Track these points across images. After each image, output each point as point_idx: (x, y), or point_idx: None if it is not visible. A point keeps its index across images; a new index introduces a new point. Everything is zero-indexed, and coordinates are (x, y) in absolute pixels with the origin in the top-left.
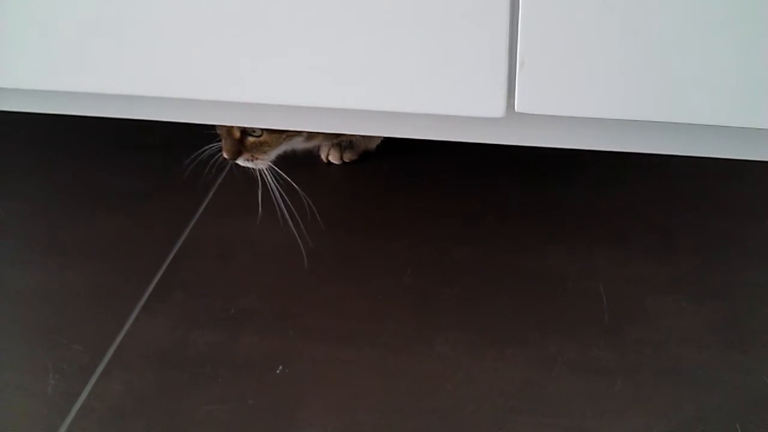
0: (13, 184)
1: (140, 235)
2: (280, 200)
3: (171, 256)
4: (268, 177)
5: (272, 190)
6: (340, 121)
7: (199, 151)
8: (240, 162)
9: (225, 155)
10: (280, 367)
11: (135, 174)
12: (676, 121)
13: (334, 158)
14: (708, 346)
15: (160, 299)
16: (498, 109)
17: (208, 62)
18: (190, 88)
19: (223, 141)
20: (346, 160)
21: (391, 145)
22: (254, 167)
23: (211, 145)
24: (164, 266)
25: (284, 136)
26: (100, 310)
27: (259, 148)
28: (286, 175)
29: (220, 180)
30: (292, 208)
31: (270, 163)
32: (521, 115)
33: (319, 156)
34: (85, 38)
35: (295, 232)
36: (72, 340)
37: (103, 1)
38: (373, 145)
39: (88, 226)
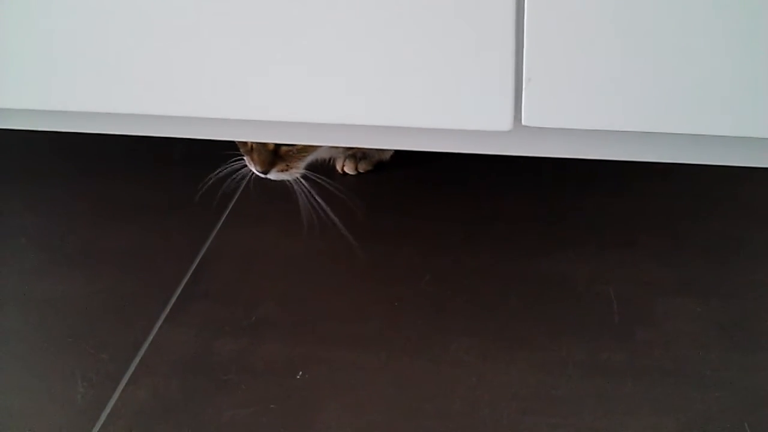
0: (39, 197)
1: (163, 246)
2: (317, 208)
3: (193, 266)
4: (304, 186)
5: (308, 197)
6: (354, 136)
7: (216, 172)
8: (272, 175)
9: (257, 168)
10: (300, 373)
11: (157, 186)
12: (680, 132)
13: (349, 169)
14: (716, 346)
15: (184, 308)
16: (506, 123)
17: (224, 82)
18: (206, 108)
19: (253, 155)
20: (361, 171)
21: (404, 155)
22: (287, 178)
23: (228, 165)
24: (187, 276)
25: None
26: (126, 320)
27: (295, 156)
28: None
29: (239, 191)
30: (316, 217)
31: (303, 172)
32: (528, 128)
33: (335, 167)
34: (106, 59)
35: (312, 241)
36: (99, 349)
37: (121, 24)
38: (386, 156)
39: (113, 237)
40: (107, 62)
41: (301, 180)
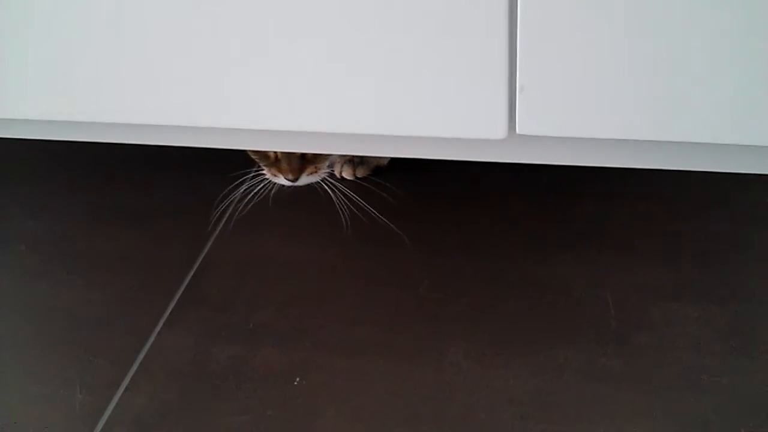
0: (38, 203)
1: (162, 251)
2: (344, 207)
3: (192, 272)
4: (331, 184)
5: (339, 197)
6: (350, 144)
7: (228, 192)
8: (301, 181)
9: (288, 177)
10: (298, 379)
11: (156, 192)
12: (675, 140)
13: (347, 174)
14: (713, 351)
15: (182, 314)
16: (500, 132)
17: (225, 92)
18: (207, 118)
19: (281, 164)
20: (359, 176)
21: (401, 160)
22: (316, 180)
23: (239, 183)
24: (185, 282)
25: None
26: (124, 326)
27: (322, 156)
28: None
29: (237, 197)
30: (313, 221)
31: (329, 171)
32: (522, 136)
33: (333, 172)
34: (101, 69)
35: (310, 247)
36: (97, 355)
37: (123, 34)
38: (384, 161)
39: (112, 243)
40: (108, 71)
41: (328, 179)
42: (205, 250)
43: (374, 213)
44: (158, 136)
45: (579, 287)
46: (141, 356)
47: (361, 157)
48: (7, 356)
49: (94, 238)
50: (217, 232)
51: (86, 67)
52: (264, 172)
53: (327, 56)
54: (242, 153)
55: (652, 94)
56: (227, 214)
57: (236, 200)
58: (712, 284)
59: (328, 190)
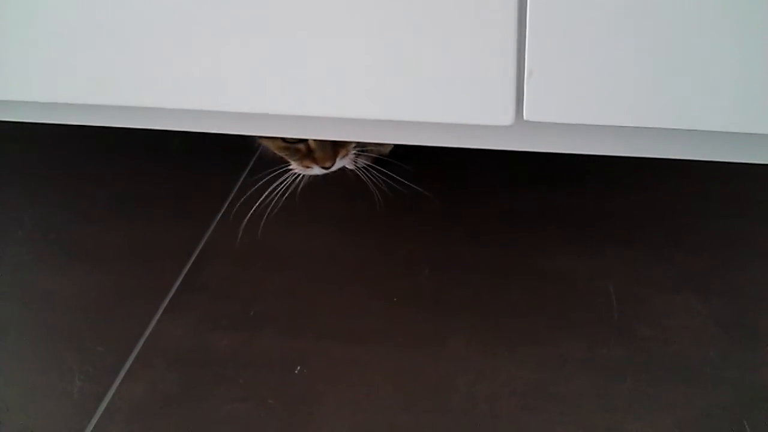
0: (35, 190)
1: (162, 238)
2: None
3: (192, 260)
4: (360, 165)
5: (370, 174)
6: (353, 129)
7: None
8: (336, 166)
9: (324, 165)
10: (298, 367)
11: (156, 179)
12: (683, 128)
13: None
14: (716, 343)
15: (182, 301)
16: (507, 118)
17: (227, 75)
18: (216, 102)
19: (315, 154)
20: (360, 166)
21: (403, 150)
22: (347, 162)
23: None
24: (185, 270)
25: None
26: (124, 313)
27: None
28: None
29: (238, 185)
30: (313, 210)
31: (356, 152)
32: (530, 122)
33: None
34: (106, 50)
35: (311, 234)
36: (96, 342)
37: (127, 17)
38: (386, 151)
39: (111, 230)
40: (115, 50)
41: (357, 161)
42: (206, 237)
43: (375, 202)
44: (170, 120)
45: (581, 279)
46: (140, 343)
47: (363, 146)
48: (4, 344)
49: (93, 224)
50: (217, 219)
51: (91, 47)
52: (292, 167)
53: (334, 41)
54: (244, 139)
55: (663, 81)
56: (228, 201)
57: (264, 203)
58: (715, 277)
59: (357, 171)
